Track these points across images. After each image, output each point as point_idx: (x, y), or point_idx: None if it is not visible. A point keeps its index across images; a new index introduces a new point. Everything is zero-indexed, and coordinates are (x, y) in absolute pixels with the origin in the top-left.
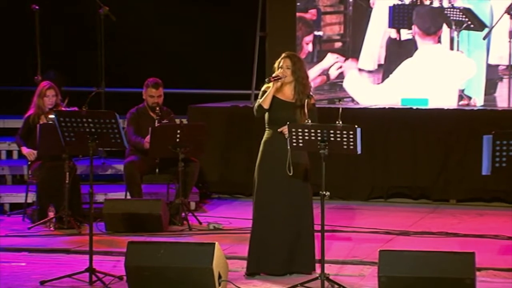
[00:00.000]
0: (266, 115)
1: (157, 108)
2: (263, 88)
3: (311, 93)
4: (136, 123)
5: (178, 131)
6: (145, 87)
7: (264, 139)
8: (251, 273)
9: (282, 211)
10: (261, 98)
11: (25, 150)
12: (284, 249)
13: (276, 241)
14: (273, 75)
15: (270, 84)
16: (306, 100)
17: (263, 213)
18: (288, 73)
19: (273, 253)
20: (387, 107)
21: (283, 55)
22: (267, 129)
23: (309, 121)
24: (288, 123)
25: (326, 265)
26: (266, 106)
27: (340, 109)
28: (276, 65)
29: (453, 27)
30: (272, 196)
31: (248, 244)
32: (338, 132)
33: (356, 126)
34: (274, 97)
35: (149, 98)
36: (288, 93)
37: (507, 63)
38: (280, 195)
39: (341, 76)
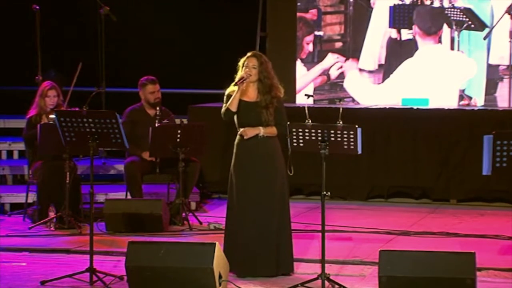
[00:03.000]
0: (235, 118)
1: (157, 108)
2: (227, 92)
3: (278, 94)
4: (131, 126)
5: (179, 131)
6: (141, 87)
7: (236, 141)
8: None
9: (260, 214)
10: (225, 101)
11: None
12: (260, 252)
13: (253, 243)
14: (237, 77)
15: (235, 87)
16: (272, 100)
17: (239, 214)
18: (254, 72)
19: (249, 255)
20: (387, 107)
21: (248, 54)
22: (238, 131)
23: (310, 121)
24: (288, 123)
25: (326, 265)
26: (233, 109)
27: (341, 109)
28: (240, 63)
29: (454, 27)
30: (248, 198)
31: (223, 247)
32: (339, 132)
33: (356, 126)
34: (239, 100)
35: (149, 95)
36: (252, 94)
37: (507, 63)
38: (257, 198)
39: (341, 76)
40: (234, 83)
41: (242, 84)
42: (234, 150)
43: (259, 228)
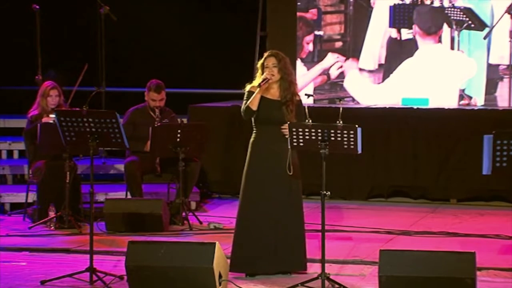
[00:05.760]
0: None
1: (157, 111)
2: (247, 88)
3: (296, 91)
4: (133, 126)
5: (179, 131)
6: (147, 90)
7: (252, 140)
8: (249, 274)
9: (274, 212)
10: (246, 99)
11: (49, 119)
12: (273, 249)
13: (266, 242)
14: (262, 77)
15: (255, 83)
16: (292, 97)
17: (253, 214)
18: (275, 71)
19: (262, 253)
20: (387, 106)
21: (266, 53)
22: (254, 129)
23: (310, 120)
24: (288, 123)
25: (326, 264)
26: (254, 108)
27: (341, 109)
28: (259, 65)
29: (454, 26)
30: (263, 198)
31: (232, 244)
32: (339, 131)
33: (356, 126)
34: (261, 97)
35: (151, 101)
36: (275, 92)
37: (507, 62)
38: (271, 196)
39: (341, 75)
40: (257, 84)
41: (266, 85)
42: (249, 149)
43: (276, 225)
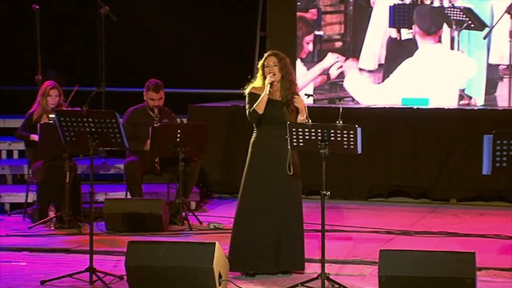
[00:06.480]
0: None
1: (156, 110)
2: (247, 90)
3: (297, 91)
4: (132, 126)
5: (179, 131)
6: (145, 89)
7: (252, 139)
8: (248, 274)
9: (274, 212)
10: (249, 101)
11: (35, 137)
12: (273, 249)
13: (266, 242)
14: (267, 82)
15: (256, 84)
16: (294, 97)
17: (252, 214)
18: (276, 70)
19: (262, 253)
20: (387, 106)
21: (267, 53)
22: (255, 129)
23: (309, 120)
24: (288, 123)
25: (326, 264)
26: (260, 111)
27: (341, 109)
28: (259, 65)
29: (454, 26)
30: (263, 197)
31: (230, 244)
32: (339, 131)
33: (356, 126)
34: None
35: (150, 101)
36: (276, 92)
37: (507, 62)
38: (271, 196)
39: (341, 75)
40: (266, 85)
41: (271, 87)
42: (250, 149)
43: (276, 225)
